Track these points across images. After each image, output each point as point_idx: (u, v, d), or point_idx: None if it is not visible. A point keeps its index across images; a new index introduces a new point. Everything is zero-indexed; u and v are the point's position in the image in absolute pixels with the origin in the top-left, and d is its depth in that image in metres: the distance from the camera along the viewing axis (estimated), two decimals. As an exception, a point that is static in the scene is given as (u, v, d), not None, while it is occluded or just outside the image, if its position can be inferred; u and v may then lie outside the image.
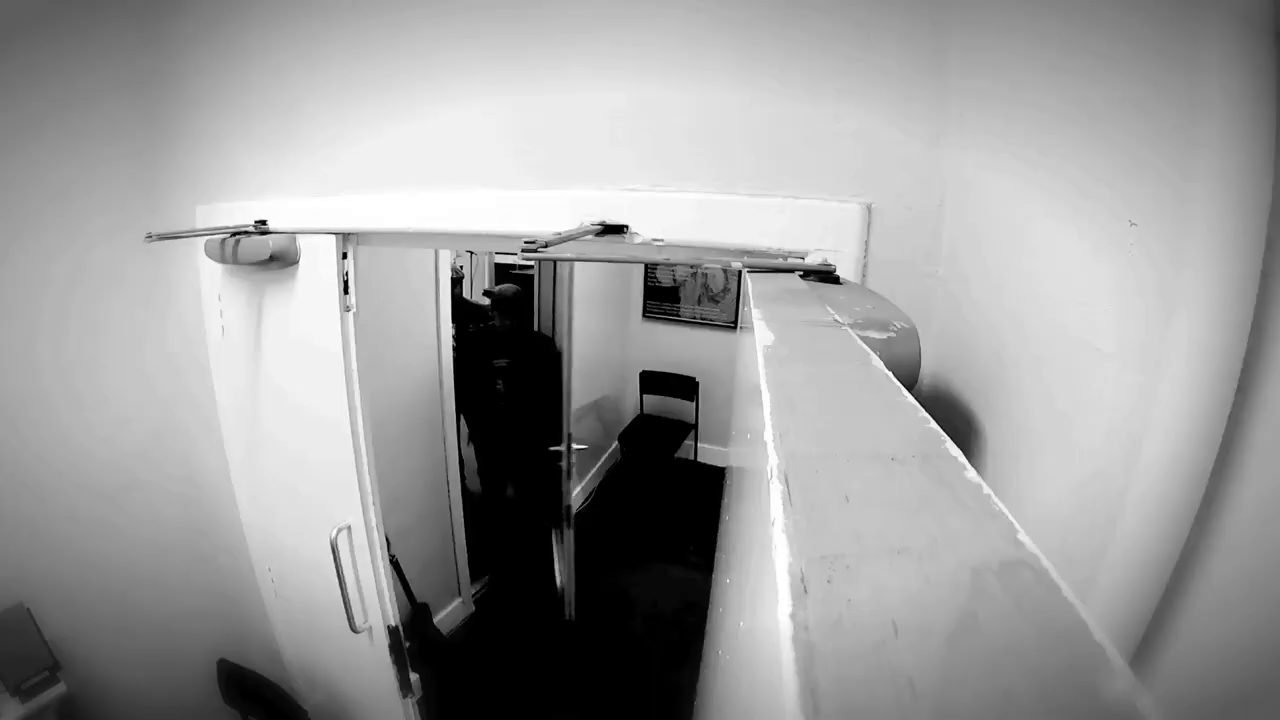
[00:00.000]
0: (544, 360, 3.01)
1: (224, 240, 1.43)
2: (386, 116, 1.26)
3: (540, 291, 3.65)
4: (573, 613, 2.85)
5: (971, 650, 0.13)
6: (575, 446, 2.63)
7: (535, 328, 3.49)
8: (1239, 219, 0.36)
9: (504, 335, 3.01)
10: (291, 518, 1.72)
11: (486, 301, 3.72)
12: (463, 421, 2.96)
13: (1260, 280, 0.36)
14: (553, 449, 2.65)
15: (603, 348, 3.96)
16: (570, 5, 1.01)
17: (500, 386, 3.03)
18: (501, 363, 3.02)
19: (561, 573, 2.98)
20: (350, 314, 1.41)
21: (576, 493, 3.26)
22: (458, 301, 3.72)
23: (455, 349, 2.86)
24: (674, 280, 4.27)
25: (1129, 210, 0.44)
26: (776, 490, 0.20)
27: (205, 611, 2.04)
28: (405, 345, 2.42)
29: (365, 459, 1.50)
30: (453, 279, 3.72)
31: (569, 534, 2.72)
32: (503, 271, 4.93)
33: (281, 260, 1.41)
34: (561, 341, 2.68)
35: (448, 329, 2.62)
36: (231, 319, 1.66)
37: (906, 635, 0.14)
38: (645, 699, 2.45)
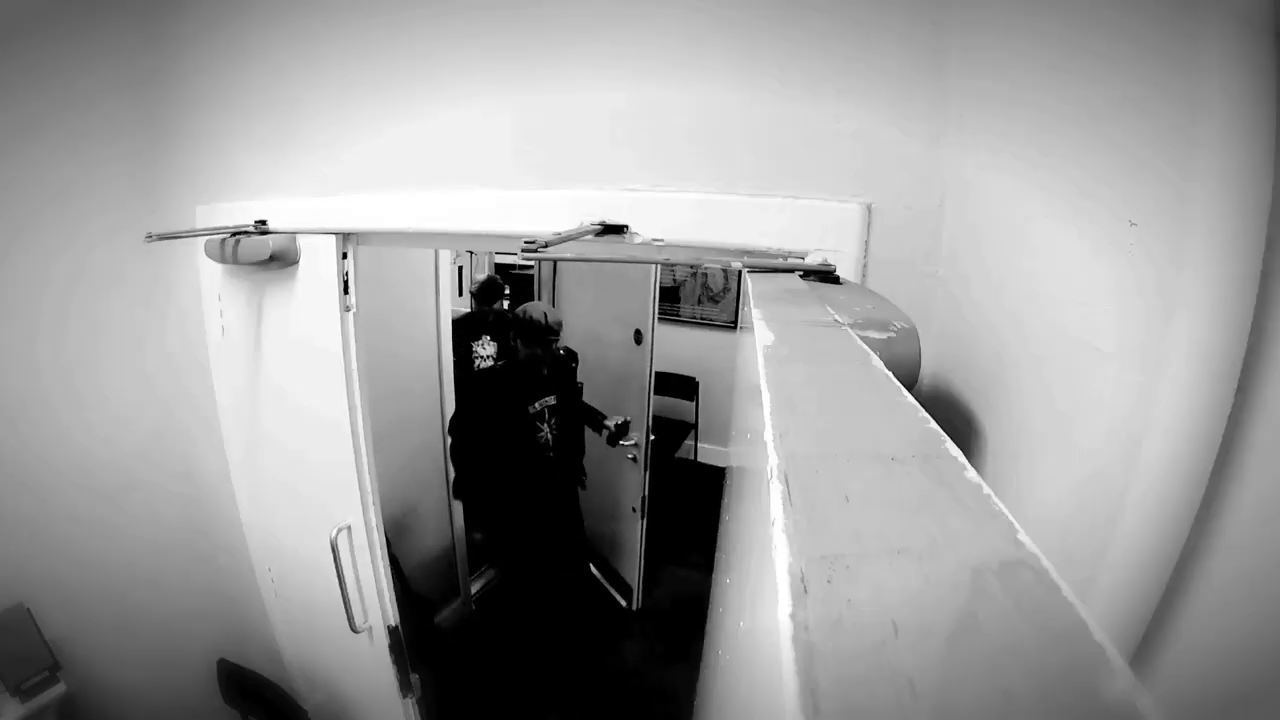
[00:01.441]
0: (574, 380, 2.55)
1: (224, 240, 1.43)
2: (386, 116, 1.26)
3: (539, 293, 3.63)
4: (639, 602, 2.90)
5: (971, 650, 0.13)
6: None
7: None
8: (1239, 219, 0.36)
9: (536, 368, 2.33)
10: (291, 518, 1.72)
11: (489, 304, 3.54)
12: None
13: (1260, 280, 0.36)
14: (625, 442, 2.58)
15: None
16: (570, 5, 1.01)
17: (547, 435, 2.38)
18: (545, 403, 2.37)
19: (585, 563, 2.99)
20: (350, 314, 1.41)
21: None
22: (505, 318, 3.28)
23: (474, 383, 2.55)
24: (674, 280, 4.27)
25: (1129, 210, 0.44)
26: (776, 490, 0.20)
27: (205, 611, 2.04)
28: (405, 345, 2.42)
29: (365, 459, 1.50)
30: (490, 286, 3.40)
31: (642, 524, 2.77)
32: (502, 272, 4.92)
33: (281, 260, 1.41)
34: (644, 338, 2.62)
35: (448, 329, 2.62)
36: (231, 319, 1.66)
37: (906, 635, 0.14)
38: (645, 699, 2.45)
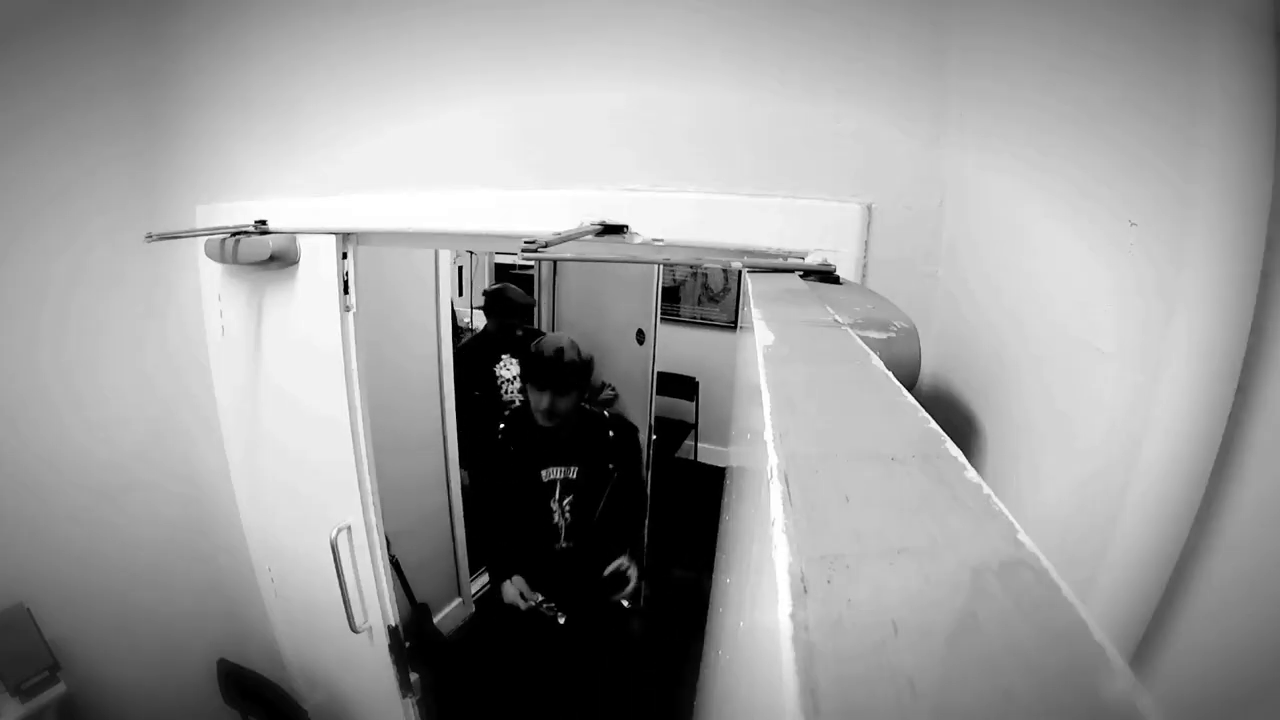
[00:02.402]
0: (632, 454, 1.90)
1: (224, 240, 1.43)
2: (386, 116, 1.26)
3: (539, 294, 3.60)
4: (642, 600, 2.86)
5: (971, 650, 0.13)
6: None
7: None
8: (1239, 219, 0.36)
9: (556, 423, 1.76)
10: (291, 518, 1.72)
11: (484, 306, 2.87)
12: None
13: (1260, 280, 0.36)
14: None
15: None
16: (570, 5, 1.01)
17: (562, 516, 1.80)
18: (561, 474, 1.79)
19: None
20: (350, 314, 1.41)
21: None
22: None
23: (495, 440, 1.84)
24: (674, 280, 4.27)
25: (1129, 210, 0.44)
26: (776, 490, 0.20)
27: (205, 611, 2.04)
28: (405, 345, 2.42)
29: (365, 459, 1.50)
30: (500, 300, 2.79)
31: (646, 522, 2.73)
32: (502, 271, 4.92)
33: (281, 260, 1.41)
34: (646, 338, 2.56)
35: (448, 329, 2.61)
36: (231, 319, 1.66)
37: (906, 635, 0.14)
38: (645, 699, 2.45)
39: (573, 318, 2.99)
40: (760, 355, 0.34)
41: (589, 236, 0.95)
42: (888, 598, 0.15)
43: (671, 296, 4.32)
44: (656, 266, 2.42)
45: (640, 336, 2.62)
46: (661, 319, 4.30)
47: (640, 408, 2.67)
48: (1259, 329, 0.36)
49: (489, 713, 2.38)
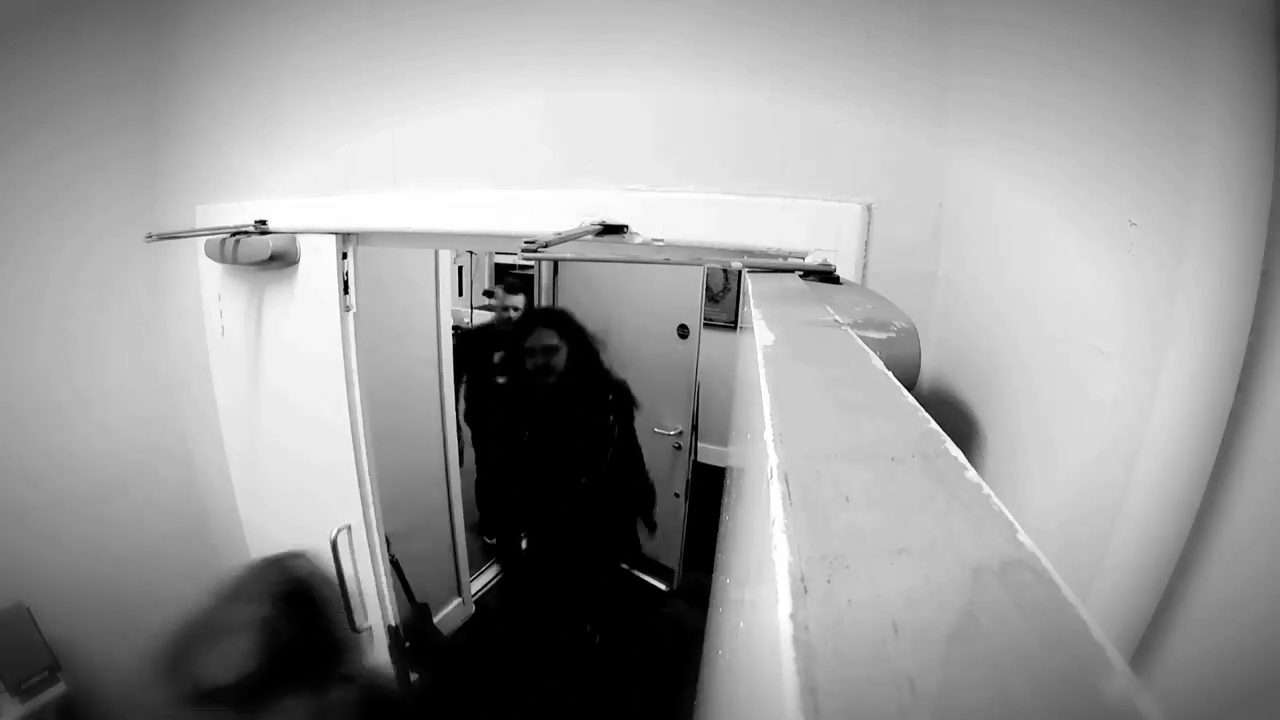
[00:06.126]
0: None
1: (224, 240, 1.43)
2: (386, 116, 1.26)
3: (540, 296, 3.56)
4: (678, 583, 2.99)
5: (971, 650, 0.13)
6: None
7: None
8: (1239, 219, 0.36)
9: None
10: (291, 517, 1.72)
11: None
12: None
13: (1260, 280, 0.36)
14: (674, 430, 2.71)
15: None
16: (570, 5, 1.01)
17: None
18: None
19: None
20: (350, 314, 1.41)
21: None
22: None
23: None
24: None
25: (1129, 210, 0.44)
26: (776, 490, 0.20)
27: (205, 611, 2.04)
28: (405, 345, 2.42)
29: (365, 459, 1.50)
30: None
31: (686, 507, 2.89)
32: (502, 271, 4.90)
33: (281, 260, 1.41)
34: (690, 333, 2.68)
35: (448, 329, 2.61)
36: (231, 319, 1.66)
37: (906, 635, 0.14)
38: (646, 700, 2.45)
39: (611, 319, 2.98)
40: (760, 355, 0.34)
41: (589, 236, 0.95)
42: (888, 598, 0.15)
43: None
44: (701, 267, 2.51)
45: (683, 332, 2.70)
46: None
47: (684, 399, 2.74)
48: (1259, 329, 0.36)
49: (489, 713, 2.38)
